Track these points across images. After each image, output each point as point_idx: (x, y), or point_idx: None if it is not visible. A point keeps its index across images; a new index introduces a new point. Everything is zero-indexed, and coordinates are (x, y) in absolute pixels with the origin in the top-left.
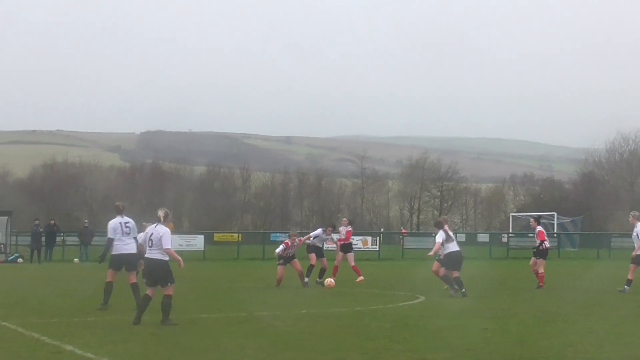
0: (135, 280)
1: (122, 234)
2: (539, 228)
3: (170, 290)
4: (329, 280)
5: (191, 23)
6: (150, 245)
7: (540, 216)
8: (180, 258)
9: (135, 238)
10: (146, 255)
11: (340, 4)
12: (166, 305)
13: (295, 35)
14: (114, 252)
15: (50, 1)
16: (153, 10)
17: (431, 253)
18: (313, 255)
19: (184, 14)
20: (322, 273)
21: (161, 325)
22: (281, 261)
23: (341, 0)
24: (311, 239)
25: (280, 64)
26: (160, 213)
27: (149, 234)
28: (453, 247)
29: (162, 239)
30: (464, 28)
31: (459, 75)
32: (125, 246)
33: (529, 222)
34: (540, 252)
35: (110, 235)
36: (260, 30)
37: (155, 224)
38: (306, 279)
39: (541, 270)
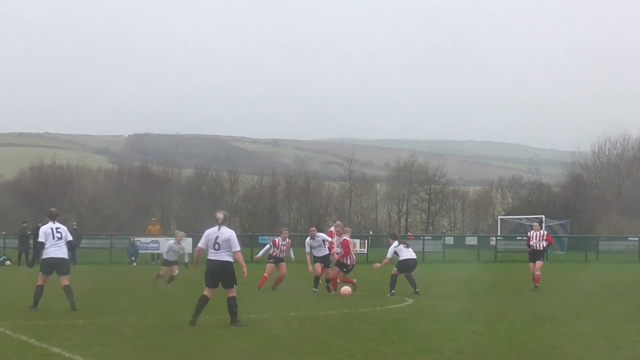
0: (67, 284)
1: (53, 239)
2: (546, 232)
3: (233, 292)
4: (345, 288)
5: (180, 26)
6: (217, 248)
7: (541, 220)
8: (244, 264)
9: (68, 243)
10: (211, 257)
11: (333, 5)
12: (233, 306)
13: (287, 37)
14: (44, 257)
15: (34, 6)
16: (139, 13)
17: (379, 266)
18: (318, 265)
19: (172, 18)
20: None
21: (231, 326)
22: (271, 260)
23: (334, 1)
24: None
25: (270, 67)
26: (220, 215)
27: (214, 237)
28: (409, 254)
29: (231, 241)
30: (456, 33)
31: (449, 78)
32: (57, 250)
33: (532, 225)
34: (542, 254)
35: (41, 239)
36: (251, 32)
37: (217, 227)
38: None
39: (538, 272)
